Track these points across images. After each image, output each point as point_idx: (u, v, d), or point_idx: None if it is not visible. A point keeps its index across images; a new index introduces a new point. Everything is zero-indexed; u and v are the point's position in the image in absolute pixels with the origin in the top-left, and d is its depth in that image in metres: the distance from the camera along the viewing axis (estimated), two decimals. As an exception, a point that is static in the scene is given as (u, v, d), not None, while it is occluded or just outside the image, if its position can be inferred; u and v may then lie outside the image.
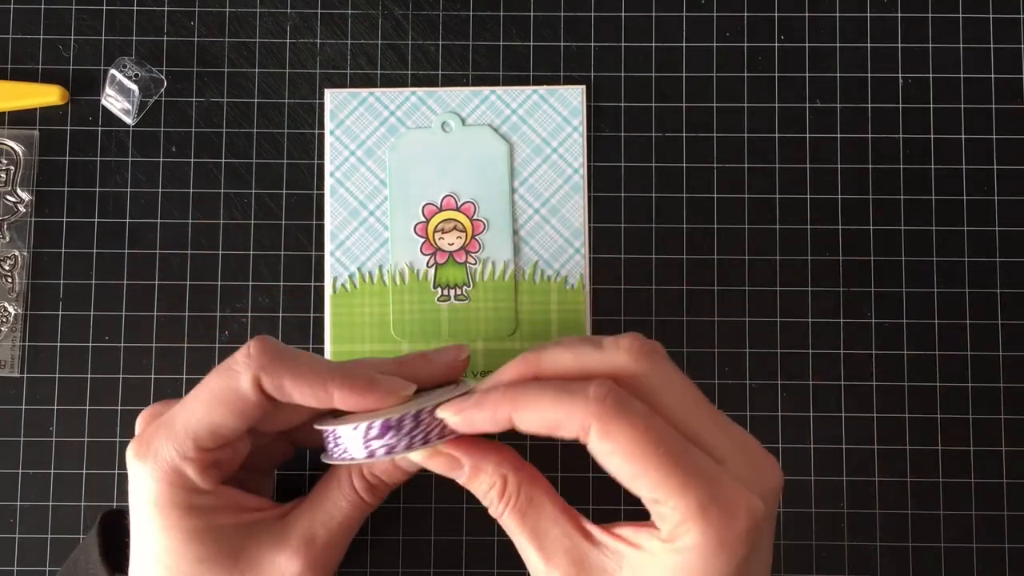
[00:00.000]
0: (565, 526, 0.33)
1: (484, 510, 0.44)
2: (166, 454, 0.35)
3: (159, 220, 0.46)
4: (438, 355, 0.38)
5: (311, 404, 0.35)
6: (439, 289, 0.46)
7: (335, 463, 0.35)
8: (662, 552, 0.31)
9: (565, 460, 0.45)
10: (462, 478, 0.34)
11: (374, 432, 0.33)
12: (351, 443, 0.34)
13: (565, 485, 0.45)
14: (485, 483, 0.34)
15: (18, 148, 0.46)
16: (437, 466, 0.34)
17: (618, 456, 0.30)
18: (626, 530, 0.32)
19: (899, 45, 0.47)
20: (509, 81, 0.47)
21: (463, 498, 0.44)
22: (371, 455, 0.33)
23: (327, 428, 0.35)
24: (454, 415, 0.33)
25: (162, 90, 0.47)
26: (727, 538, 0.30)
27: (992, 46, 0.47)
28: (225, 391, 0.34)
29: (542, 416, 0.31)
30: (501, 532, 0.44)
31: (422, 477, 0.44)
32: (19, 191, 0.46)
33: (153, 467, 0.35)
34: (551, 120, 0.46)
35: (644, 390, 0.32)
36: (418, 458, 0.34)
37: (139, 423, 0.38)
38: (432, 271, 0.46)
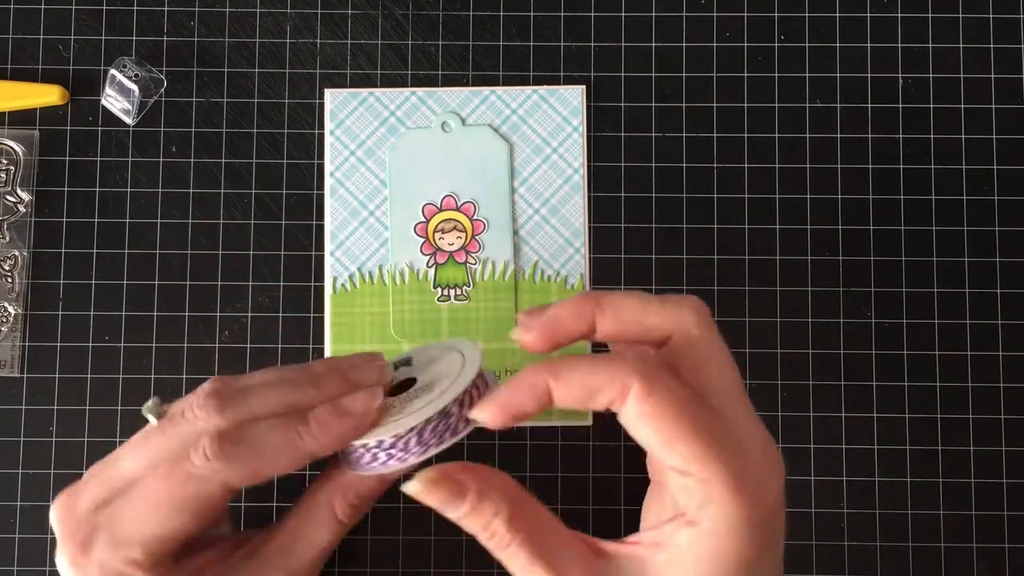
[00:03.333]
0: (575, 548, 0.31)
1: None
2: (111, 563, 0.32)
3: (159, 220, 0.46)
4: (357, 374, 0.36)
5: (286, 471, 0.34)
6: (439, 289, 0.46)
7: (375, 473, 0.35)
8: (689, 542, 0.29)
9: (565, 461, 0.45)
10: (463, 508, 0.31)
11: (411, 441, 0.34)
12: (384, 456, 0.35)
13: (566, 485, 0.45)
14: (489, 511, 0.31)
15: (18, 148, 0.46)
16: (438, 496, 0.31)
17: (655, 420, 0.29)
18: (642, 536, 0.31)
19: (899, 45, 0.47)
20: (509, 81, 0.47)
21: (463, 498, 0.44)
22: (403, 461, 0.34)
23: (362, 444, 0.35)
24: (488, 412, 0.31)
25: (162, 90, 0.47)
26: (756, 516, 0.29)
27: (992, 46, 0.47)
28: (186, 499, 0.32)
29: (583, 380, 0.30)
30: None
31: (422, 477, 0.44)
32: (19, 191, 0.46)
33: None
34: (551, 120, 0.46)
35: (691, 357, 0.31)
36: (415, 490, 0.31)
37: (59, 513, 0.34)
38: (432, 271, 0.46)
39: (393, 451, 0.35)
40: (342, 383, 0.35)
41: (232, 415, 0.33)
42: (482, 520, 0.31)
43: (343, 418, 0.34)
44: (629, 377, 0.29)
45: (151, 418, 0.34)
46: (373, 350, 0.38)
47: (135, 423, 0.45)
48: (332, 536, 0.38)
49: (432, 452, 0.34)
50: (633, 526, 0.44)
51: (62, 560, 0.33)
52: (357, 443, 0.35)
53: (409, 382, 0.37)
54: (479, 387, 0.35)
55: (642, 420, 0.29)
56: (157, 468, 0.32)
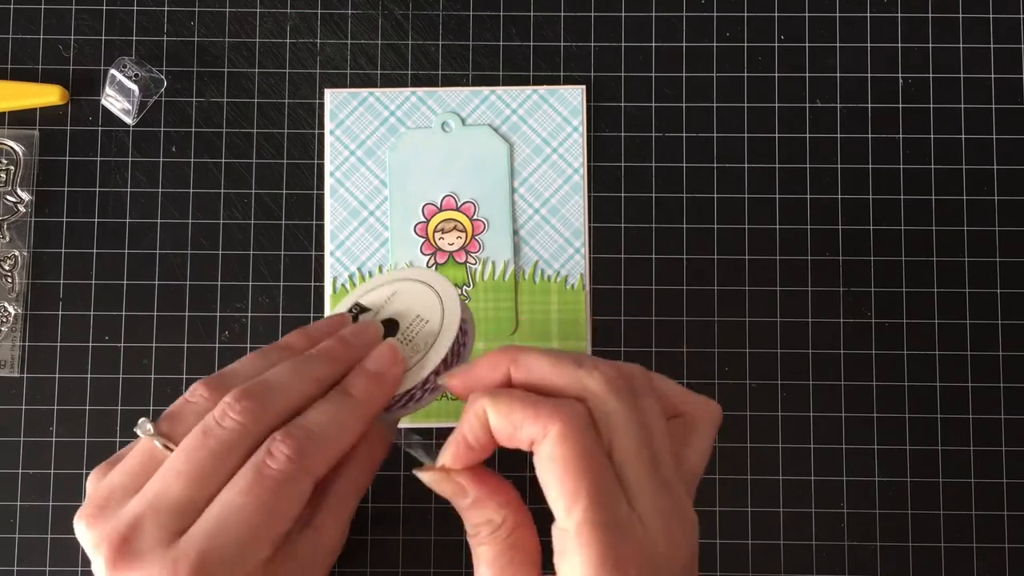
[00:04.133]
0: None
1: (484, 510, 0.44)
2: None
3: (159, 220, 0.46)
4: (358, 339, 0.37)
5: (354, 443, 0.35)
6: (439, 289, 0.46)
7: (411, 411, 0.37)
8: None
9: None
10: (463, 504, 0.33)
11: (440, 370, 0.36)
12: (420, 392, 0.37)
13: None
14: (482, 517, 0.33)
15: (18, 148, 0.46)
16: (444, 491, 0.34)
17: (560, 466, 0.30)
18: None
19: (899, 45, 0.47)
20: (509, 81, 0.47)
21: (463, 498, 0.44)
22: (435, 391, 0.37)
23: (402, 391, 0.37)
24: (455, 383, 0.34)
25: (162, 90, 0.47)
26: None
27: (992, 46, 0.47)
28: (285, 502, 0.32)
29: (509, 414, 0.31)
30: (501, 532, 0.44)
31: (422, 477, 0.44)
32: (19, 191, 0.46)
33: None
34: (551, 120, 0.46)
35: (601, 423, 0.32)
36: (428, 480, 0.34)
37: (147, 568, 0.31)
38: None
39: (427, 385, 0.36)
40: (351, 350, 0.36)
41: (274, 411, 0.33)
42: (473, 520, 0.33)
43: (383, 382, 0.35)
44: (551, 421, 0.31)
45: (158, 441, 0.33)
46: (337, 312, 0.38)
47: (135, 423, 0.45)
48: (369, 484, 0.38)
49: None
50: (633, 526, 0.44)
51: None
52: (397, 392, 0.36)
53: (389, 324, 0.38)
54: (464, 308, 0.37)
55: (551, 462, 0.31)
56: (234, 485, 0.32)
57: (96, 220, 0.46)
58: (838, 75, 0.47)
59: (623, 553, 0.30)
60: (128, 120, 0.46)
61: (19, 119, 0.46)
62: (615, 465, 0.31)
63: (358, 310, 0.38)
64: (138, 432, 0.33)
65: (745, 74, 0.47)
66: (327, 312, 0.45)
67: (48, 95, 0.46)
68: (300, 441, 0.32)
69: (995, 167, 0.46)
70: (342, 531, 0.37)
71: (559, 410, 0.31)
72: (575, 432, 0.31)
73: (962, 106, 0.47)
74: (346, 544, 0.44)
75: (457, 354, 0.36)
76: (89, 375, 0.45)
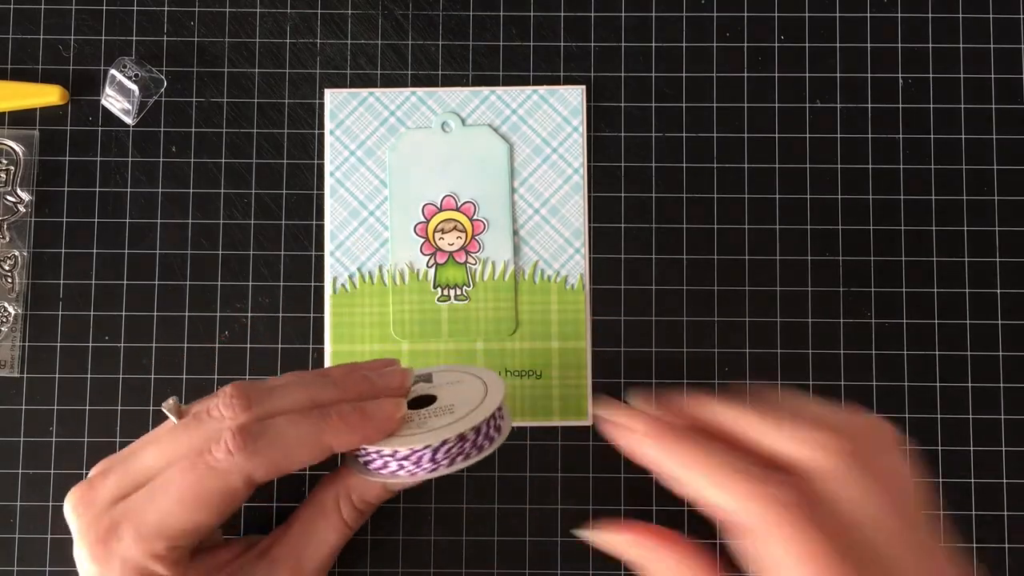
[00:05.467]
0: None
1: (484, 510, 0.44)
2: (134, 556, 0.32)
3: (159, 220, 0.46)
4: (381, 379, 0.36)
5: (305, 464, 0.34)
6: (439, 289, 0.46)
7: (382, 480, 0.36)
8: None
9: (565, 461, 0.45)
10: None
11: (424, 457, 0.35)
12: (395, 465, 0.35)
13: (566, 485, 0.45)
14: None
15: (18, 148, 0.46)
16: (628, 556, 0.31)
17: (790, 560, 0.26)
18: None
19: (899, 45, 0.47)
20: (509, 81, 0.47)
21: (463, 498, 0.44)
22: (412, 475, 0.35)
23: (376, 450, 0.35)
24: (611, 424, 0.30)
25: (162, 90, 0.47)
26: None
27: (992, 46, 0.47)
28: (210, 493, 0.32)
29: (704, 485, 0.27)
30: (501, 532, 0.44)
31: (422, 477, 0.44)
32: (19, 191, 0.46)
33: (120, 572, 0.32)
34: (551, 120, 0.46)
35: (829, 503, 0.27)
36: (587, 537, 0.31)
37: (77, 506, 0.33)
38: (432, 271, 0.46)
39: (405, 463, 0.35)
40: (365, 385, 0.36)
41: (256, 412, 0.34)
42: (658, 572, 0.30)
43: (366, 420, 0.35)
44: (769, 512, 0.27)
45: (171, 416, 0.35)
46: (389, 358, 0.39)
47: (135, 423, 0.45)
48: (338, 537, 0.38)
49: (441, 472, 0.35)
50: (633, 526, 0.44)
51: (81, 553, 0.33)
52: (372, 448, 0.35)
53: (427, 399, 0.38)
54: (496, 418, 0.36)
55: (777, 558, 0.27)
56: (175, 464, 0.33)
57: (96, 220, 0.46)
58: (838, 75, 0.47)
59: None
60: (128, 120, 0.46)
61: (19, 119, 0.46)
62: (858, 544, 0.27)
63: (422, 378, 0.39)
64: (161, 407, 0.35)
65: (745, 74, 0.47)
66: (327, 312, 0.45)
67: (48, 95, 0.46)
68: (247, 441, 0.32)
69: (995, 167, 0.46)
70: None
71: (777, 501, 0.26)
72: (802, 529, 0.26)
73: (962, 106, 0.47)
74: (346, 544, 0.44)
75: (452, 456, 0.35)
76: (89, 375, 0.45)
